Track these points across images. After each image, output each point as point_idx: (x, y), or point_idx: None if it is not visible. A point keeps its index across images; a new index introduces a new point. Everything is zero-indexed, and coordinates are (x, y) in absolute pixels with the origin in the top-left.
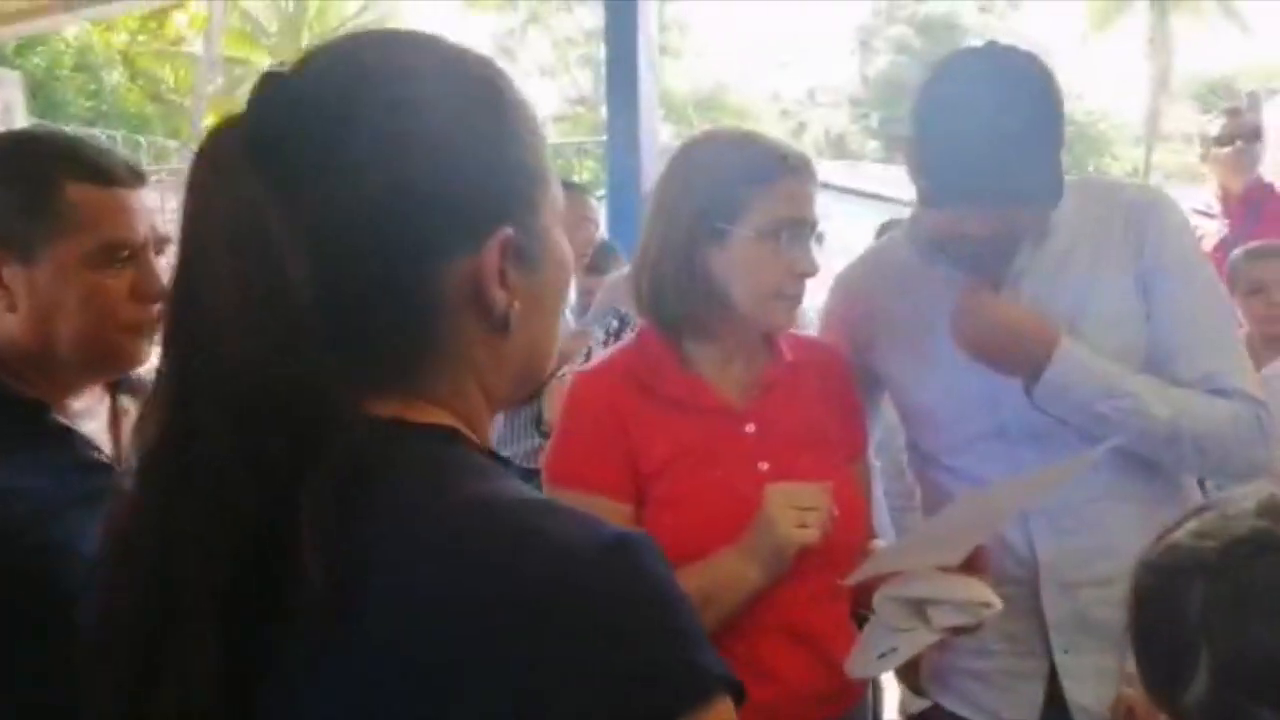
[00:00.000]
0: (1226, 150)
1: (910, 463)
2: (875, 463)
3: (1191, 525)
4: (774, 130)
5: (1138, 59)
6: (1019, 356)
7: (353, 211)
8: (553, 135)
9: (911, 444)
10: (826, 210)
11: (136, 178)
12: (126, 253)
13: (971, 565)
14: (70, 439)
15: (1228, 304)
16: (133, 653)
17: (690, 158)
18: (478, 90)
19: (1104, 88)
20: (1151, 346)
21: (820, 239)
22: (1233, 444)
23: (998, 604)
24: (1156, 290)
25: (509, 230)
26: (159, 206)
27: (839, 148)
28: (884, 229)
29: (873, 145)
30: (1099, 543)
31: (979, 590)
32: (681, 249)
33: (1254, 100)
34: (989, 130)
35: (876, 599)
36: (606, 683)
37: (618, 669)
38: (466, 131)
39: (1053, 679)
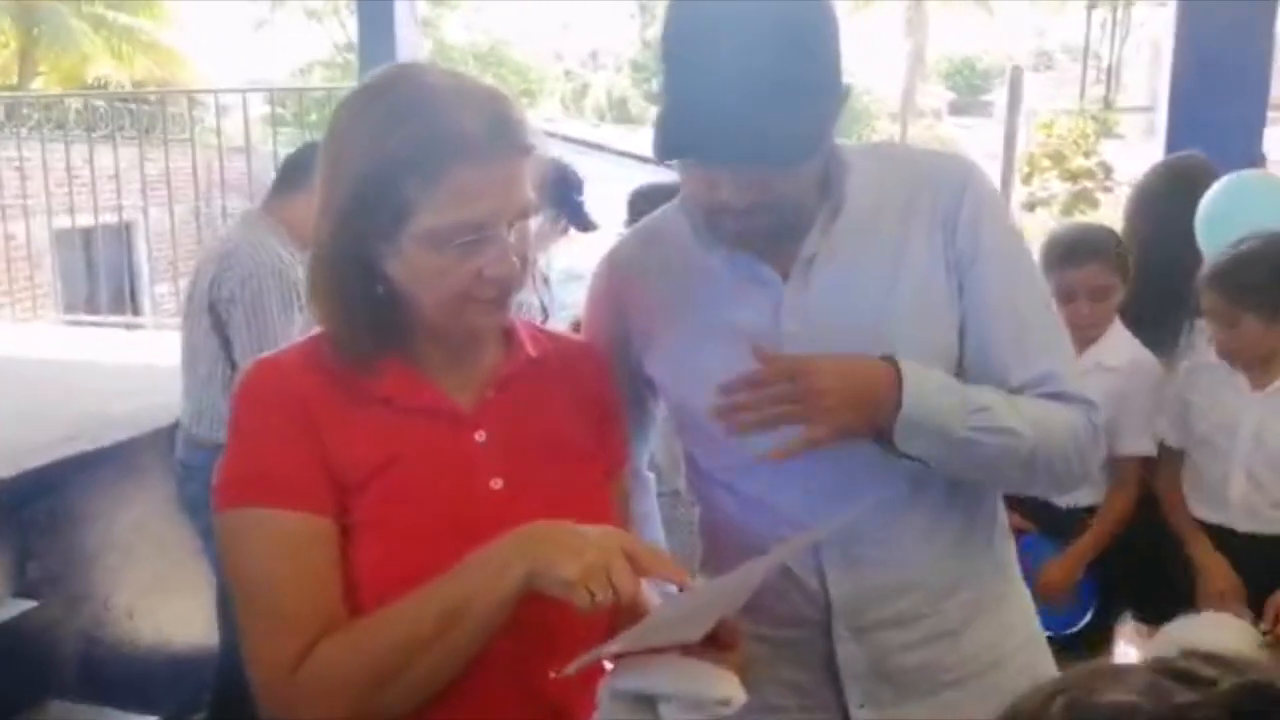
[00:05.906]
0: None
1: (687, 479)
2: (649, 474)
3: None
4: (557, 91)
5: (896, 37)
6: (874, 402)
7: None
8: (319, 82)
9: (688, 457)
10: (606, 174)
11: None
12: None
13: (719, 640)
14: None
15: (1049, 292)
16: None
17: (340, 131)
18: None
19: (864, 64)
20: (974, 344)
21: (566, 223)
22: (1075, 456)
23: (739, 698)
24: (975, 280)
25: None
26: None
27: (620, 111)
28: (634, 197)
29: (653, 110)
30: (898, 576)
31: (718, 684)
32: (350, 245)
33: (1016, 75)
34: (726, 75)
35: (601, 693)
36: None
37: None
38: None
39: None
